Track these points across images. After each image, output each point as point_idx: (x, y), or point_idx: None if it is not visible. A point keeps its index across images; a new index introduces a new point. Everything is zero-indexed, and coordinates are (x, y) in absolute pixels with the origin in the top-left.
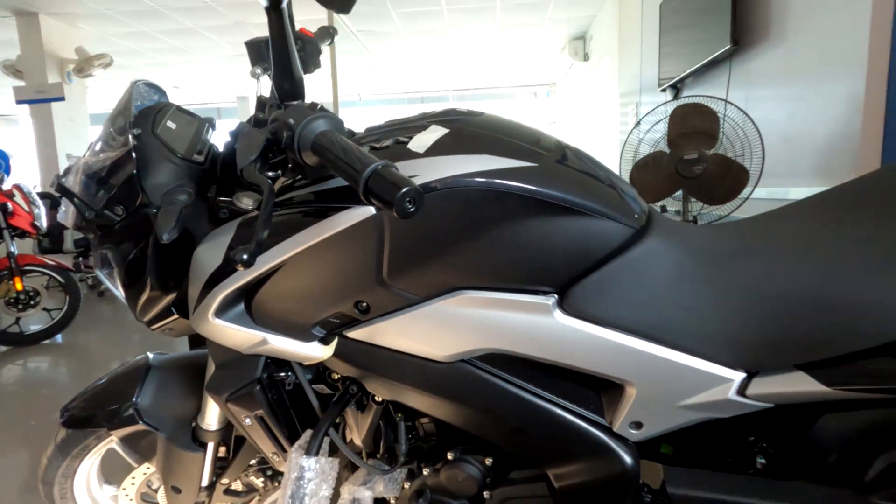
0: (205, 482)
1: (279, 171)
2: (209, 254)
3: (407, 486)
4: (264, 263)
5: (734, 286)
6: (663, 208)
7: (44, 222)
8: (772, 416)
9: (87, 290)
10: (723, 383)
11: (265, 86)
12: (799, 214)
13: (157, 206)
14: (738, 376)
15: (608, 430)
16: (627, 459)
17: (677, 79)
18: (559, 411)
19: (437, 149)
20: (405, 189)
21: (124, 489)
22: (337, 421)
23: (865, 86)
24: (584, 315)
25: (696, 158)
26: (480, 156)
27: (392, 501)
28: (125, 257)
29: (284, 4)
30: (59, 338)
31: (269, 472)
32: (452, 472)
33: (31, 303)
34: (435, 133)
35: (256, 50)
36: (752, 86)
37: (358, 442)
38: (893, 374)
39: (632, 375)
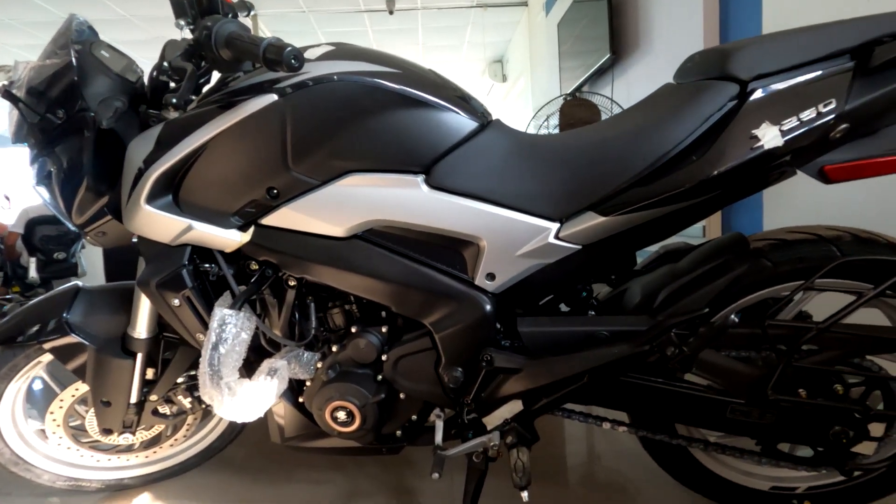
0: (133, 398)
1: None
2: (140, 146)
3: (320, 366)
4: (187, 146)
5: (546, 158)
6: None
7: None
8: (590, 263)
9: None
10: (544, 231)
11: (187, 35)
12: (607, 119)
13: (94, 111)
14: (553, 225)
15: (470, 283)
16: (487, 306)
17: (574, 87)
18: (433, 272)
19: (325, 56)
20: (288, 49)
21: (52, 413)
22: (258, 314)
23: None
24: (445, 187)
25: None
26: (358, 62)
27: (308, 384)
28: (62, 161)
29: None
30: None
31: (197, 392)
32: (355, 342)
33: None
34: (325, 48)
35: (179, 5)
36: (631, 88)
37: (277, 332)
38: (637, 195)
39: (482, 232)
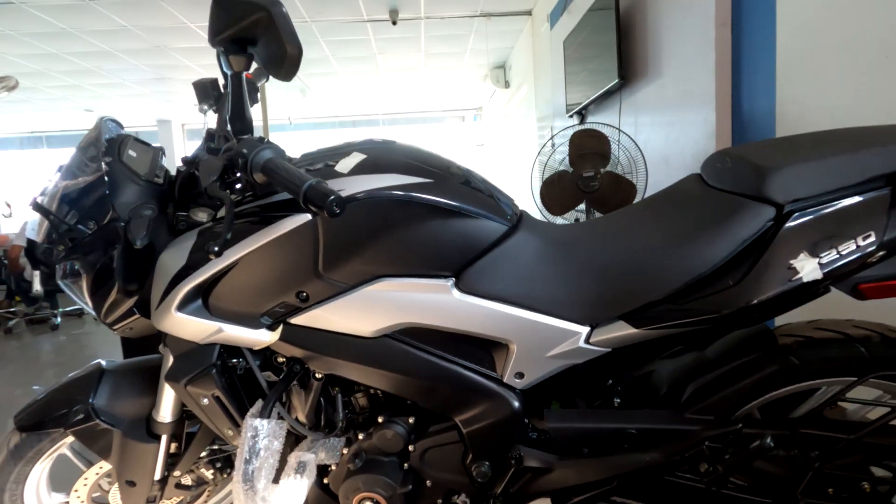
0: (158, 475)
1: (235, 187)
2: (173, 257)
3: (345, 451)
4: (221, 262)
5: (576, 262)
6: (577, 220)
7: None
8: (617, 361)
9: None
10: (574, 335)
11: (211, 120)
12: (627, 212)
13: (124, 221)
14: (584, 329)
15: (499, 382)
16: (515, 403)
17: (581, 106)
18: (462, 370)
19: (357, 170)
20: (332, 197)
21: (76, 491)
22: (283, 401)
23: (715, 116)
24: (475, 291)
25: (592, 175)
26: (390, 175)
27: (333, 467)
28: (93, 266)
29: (243, 75)
30: None
31: (219, 465)
32: (382, 433)
33: None
34: (355, 158)
35: (203, 89)
36: (639, 113)
37: (302, 418)
38: (671, 312)
39: (512, 335)
